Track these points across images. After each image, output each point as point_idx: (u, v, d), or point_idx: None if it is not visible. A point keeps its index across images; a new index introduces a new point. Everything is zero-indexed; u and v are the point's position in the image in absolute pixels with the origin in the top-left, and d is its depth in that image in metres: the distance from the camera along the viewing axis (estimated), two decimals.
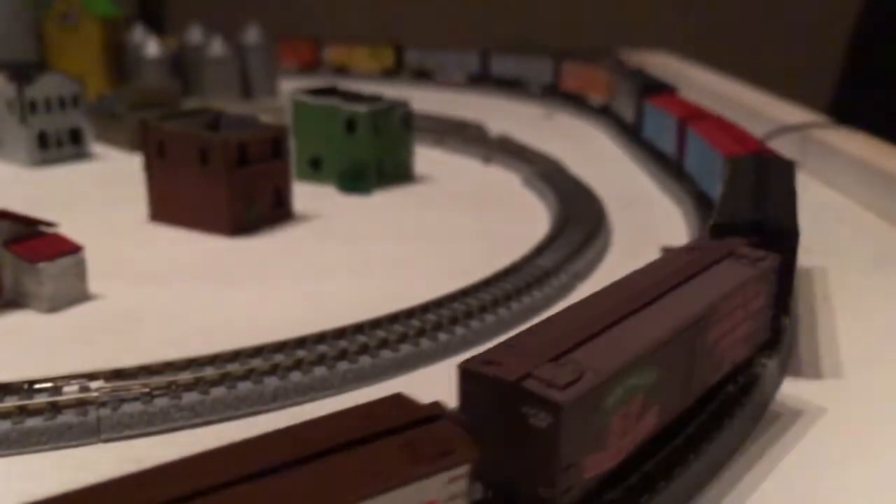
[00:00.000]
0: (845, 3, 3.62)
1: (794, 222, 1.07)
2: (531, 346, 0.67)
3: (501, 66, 3.21)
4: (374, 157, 1.91)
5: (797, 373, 1.07)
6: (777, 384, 1.01)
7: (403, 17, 4.09)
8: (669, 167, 1.95)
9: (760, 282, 0.89)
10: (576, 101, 2.87)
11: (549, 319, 0.73)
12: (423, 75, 3.41)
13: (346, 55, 3.61)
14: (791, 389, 1.03)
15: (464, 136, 2.35)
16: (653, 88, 2.24)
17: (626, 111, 2.39)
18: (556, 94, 2.96)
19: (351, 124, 1.91)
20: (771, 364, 0.97)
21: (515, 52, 3.20)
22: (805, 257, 1.45)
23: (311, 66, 3.64)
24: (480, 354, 0.65)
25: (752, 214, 1.05)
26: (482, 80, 3.25)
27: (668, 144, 1.94)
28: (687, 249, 0.94)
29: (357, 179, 1.90)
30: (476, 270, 1.33)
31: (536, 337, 0.69)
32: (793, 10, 3.93)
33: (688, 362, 0.77)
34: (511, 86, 3.15)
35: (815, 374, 1.08)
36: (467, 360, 0.64)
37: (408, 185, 1.97)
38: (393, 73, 3.49)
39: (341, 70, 3.59)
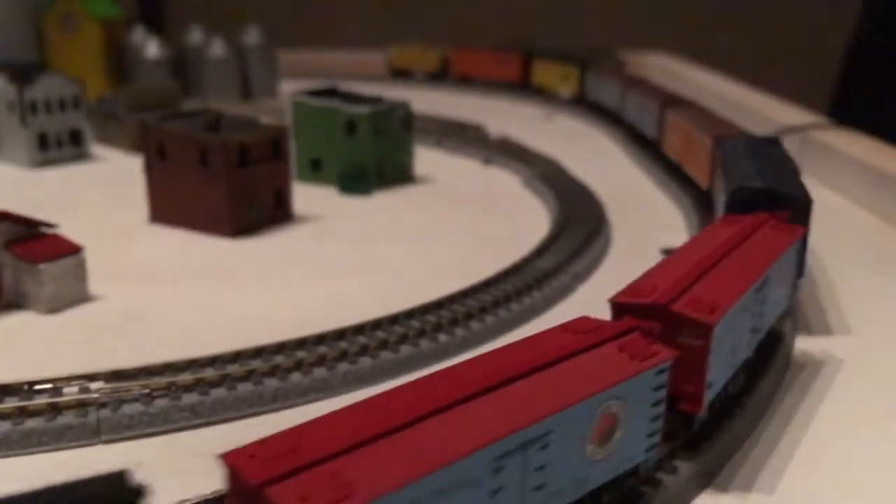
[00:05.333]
0: (845, 4, 3.63)
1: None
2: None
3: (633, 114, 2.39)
4: (374, 158, 1.91)
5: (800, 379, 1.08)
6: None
7: (402, 18, 4.10)
8: (669, 167, 1.95)
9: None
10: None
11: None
12: (601, 110, 2.71)
13: (545, 75, 3.09)
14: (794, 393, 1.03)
15: (464, 137, 2.35)
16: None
17: None
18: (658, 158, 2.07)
19: (351, 126, 1.91)
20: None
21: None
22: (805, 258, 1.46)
23: (518, 84, 3.18)
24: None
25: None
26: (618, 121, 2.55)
27: None
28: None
29: (357, 180, 1.90)
30: (476, 271, 1.33)
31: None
32: (793, 11, 3.93)
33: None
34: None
35: (817, 378, 1.08)
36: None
37: (408, 187, 1.97)
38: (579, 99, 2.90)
39: (541, 92, 3.07)
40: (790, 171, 1.28)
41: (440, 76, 3.47)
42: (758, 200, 1.12)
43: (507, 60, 3.24)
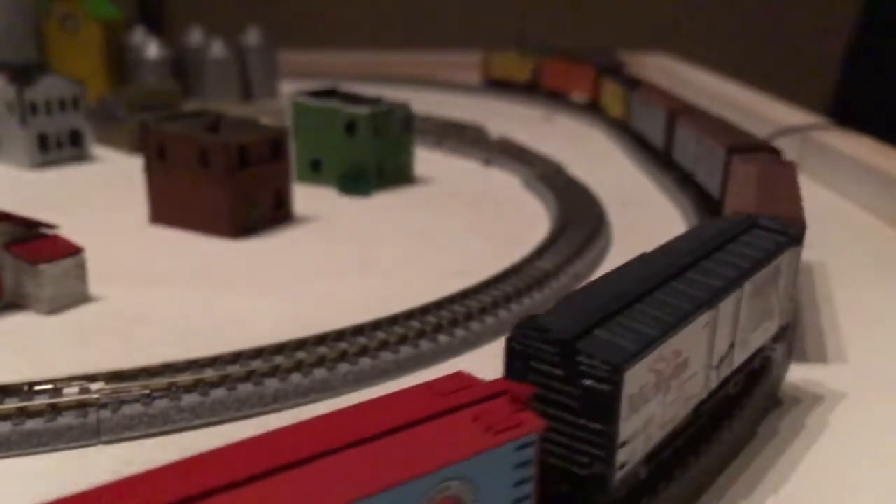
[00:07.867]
0: (846, 4, 3.63)
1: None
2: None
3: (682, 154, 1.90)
4: (374, 158, 1.91)
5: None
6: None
7: (402, 18, 4.10)
8: (668, 167, 1.95)
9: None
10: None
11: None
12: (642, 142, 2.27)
13: (605, 93, 2.73)
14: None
15: (464, 137, 2.35)
16: None
17: None
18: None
19: (351, 126, 1.91)
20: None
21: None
22: (806, 258, 1.46)
23: (592, 102, 2.82)
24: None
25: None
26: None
27: None
28: None
29: (357, 181, 1.90)
30: (476, 272, 1.33)
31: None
32: (793, 11, 3.93)
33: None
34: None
35: (817, 385, 1.08)
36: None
37: (408, 187, 1.97)
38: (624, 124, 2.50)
39: (603, 112, 2.72)
40: (684, 305, 0.73)
41: (532, 88, 3.13)
42: (550, 352, 0.65)
43: (582, 76, 2.90)
